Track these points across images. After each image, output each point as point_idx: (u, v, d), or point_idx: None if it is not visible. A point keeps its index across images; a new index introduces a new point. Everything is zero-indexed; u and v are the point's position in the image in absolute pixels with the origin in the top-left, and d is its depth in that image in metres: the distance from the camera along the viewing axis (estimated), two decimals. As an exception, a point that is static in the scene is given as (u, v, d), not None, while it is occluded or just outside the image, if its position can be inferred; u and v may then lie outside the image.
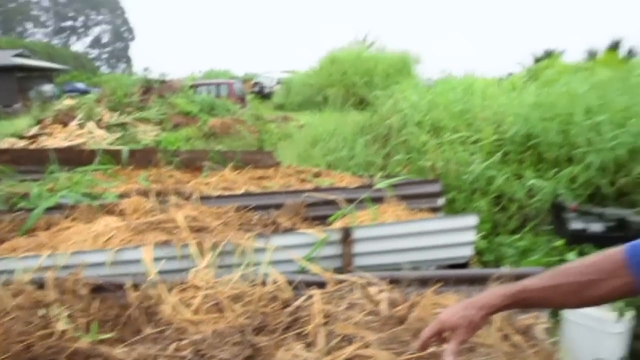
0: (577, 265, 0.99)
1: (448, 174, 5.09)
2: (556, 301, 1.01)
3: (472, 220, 2.36)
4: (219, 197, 3.52)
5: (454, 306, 1.06)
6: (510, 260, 4.21)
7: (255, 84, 24.37)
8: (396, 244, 2.32)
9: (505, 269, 2.04)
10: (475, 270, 2.05)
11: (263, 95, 22.40)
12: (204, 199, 3.42)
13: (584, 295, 0.96)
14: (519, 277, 2.08)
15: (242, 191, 3.93)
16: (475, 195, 5.00)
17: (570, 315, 3.29)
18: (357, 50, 17.26)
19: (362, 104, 8.13)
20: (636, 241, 0.93)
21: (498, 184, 4.89)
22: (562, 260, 3.58)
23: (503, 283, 2.06)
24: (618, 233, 3.38)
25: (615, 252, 0.94)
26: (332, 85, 14.19)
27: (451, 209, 4.86)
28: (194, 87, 14.87)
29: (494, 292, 1.04)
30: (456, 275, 1.92)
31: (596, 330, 3.19)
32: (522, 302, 1.02)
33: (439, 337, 1.07)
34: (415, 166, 5.30)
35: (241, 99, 15.42)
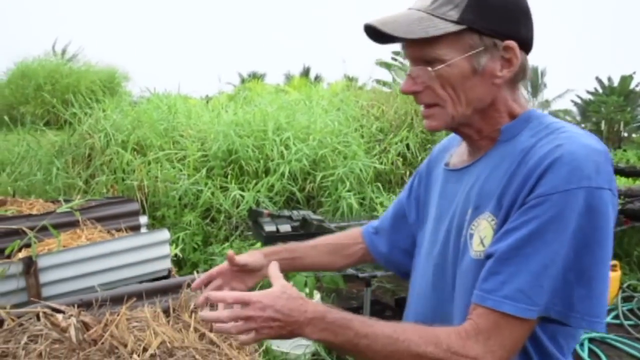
0: (332, 235, 1.37)
1: (156, 191, 5.11)
2: (317, 259, 1.30)
3: (163, 234, 2.46)
4: None
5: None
6: (220, 267, 4.51)
7: None
8: (89, 267, 2.24)
9: (197, 275, 2.19)
10: (167, 280, 2.15)
11: None
12: None
13: (338, 254, 1.30)
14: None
15: None
16: (185, 210, 5.16)
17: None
18: (55, 63, 15.55)
19: (60, 123, 7.43)
20: (371, 222, 1.33)
21: (206, 198, 5.16)
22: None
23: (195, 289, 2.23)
24: (302, 231, 3.92)
25: (357, 229, 1.35)
26: (24, 102, 12.46)
27: (162, 225, 4.90)
28: None
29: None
30: (148, 288, 1.98)
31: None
32: (292, 254, 1.28)
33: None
34: (122, 186, 5.15)
35: None
